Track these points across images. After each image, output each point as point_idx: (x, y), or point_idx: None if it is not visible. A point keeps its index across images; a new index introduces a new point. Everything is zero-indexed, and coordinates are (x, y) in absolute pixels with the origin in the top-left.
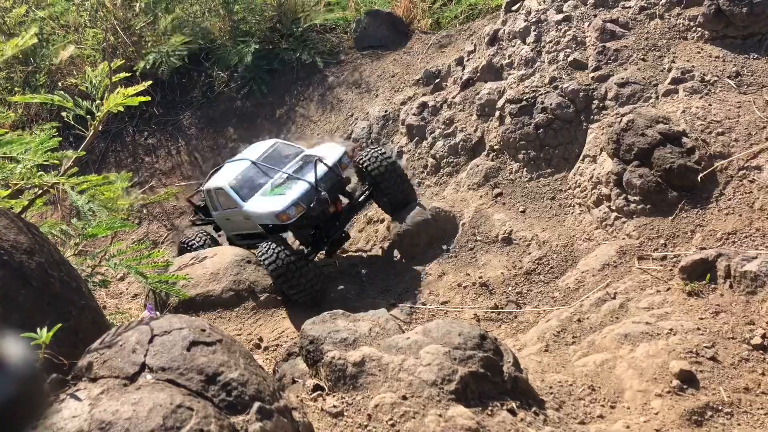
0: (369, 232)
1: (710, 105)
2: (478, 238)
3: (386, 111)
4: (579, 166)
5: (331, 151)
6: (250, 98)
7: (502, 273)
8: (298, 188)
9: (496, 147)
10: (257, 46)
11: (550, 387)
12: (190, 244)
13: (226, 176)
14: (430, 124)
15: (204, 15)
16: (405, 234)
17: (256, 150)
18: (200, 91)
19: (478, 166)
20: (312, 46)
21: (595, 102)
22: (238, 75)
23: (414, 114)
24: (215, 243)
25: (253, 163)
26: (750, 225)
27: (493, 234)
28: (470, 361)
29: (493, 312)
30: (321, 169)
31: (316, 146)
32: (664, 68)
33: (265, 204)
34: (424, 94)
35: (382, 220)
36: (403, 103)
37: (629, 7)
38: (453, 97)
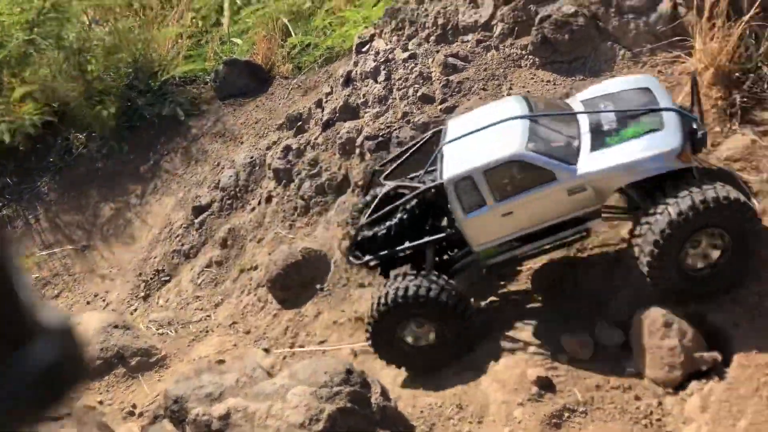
0: (243, 281)
1: None
2: (350, 273)
3: (252, 157)
4: None
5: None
6: (111, 158)
7: None
8: (668, 120)
9: (360, 183)
10: (115, 105)
11: (421, 411)
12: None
13: (505, 145)
14: (295, 166)
15: (56, 77)
16: (276, 278)
17: (488, 113)
18: (57, 155)
19: (345, 202)
20: (172, 99)
21: None
22: (96, 135)
23: (279, 158)
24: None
25: (529, 117)
26: None
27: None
28: (337, 398)
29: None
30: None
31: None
32: (504, 95)
33: (623, 153)
34: (288, 138)
35: (256, 267)
36: (269, 148)
37: (467, 41)
38: (315, 139)
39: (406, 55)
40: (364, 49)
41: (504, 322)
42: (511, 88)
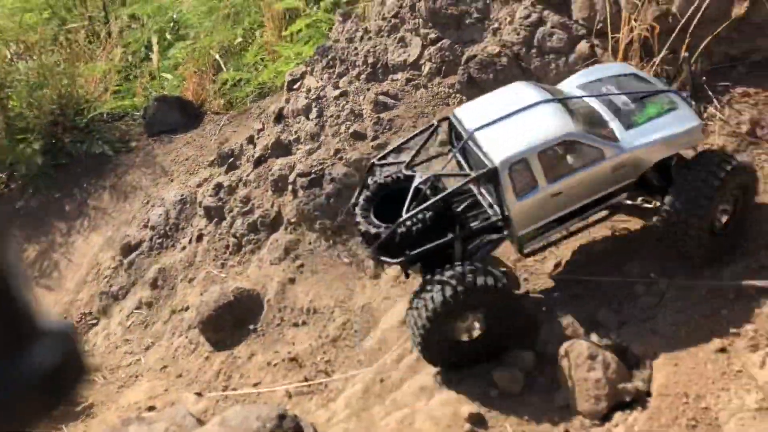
0: (174, 323)
1: None
2: (284, 312)
3: (182, 195)
4: None
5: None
6: (35, 197)
7: (310, 344)
8: (677, 100)
9: (293, 220)
10: (39, 142)
11: None
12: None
13: (553, 125)
14: (227, 203)
15: None
16: (208, 319)
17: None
18: None
19: (277, 240)
20: (100, 136)
21: None
22: (18, 174)
23: (210, 195)
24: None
25: (559, 100)
26: None
27: (298, 306)
28: None
29: (303, 386)
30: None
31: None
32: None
33: (658, 129)
34: (219, 175)
35: (187, 308)
36: (199, 185)
37: (397, 79)
38: (247, 176)
39: (337, 92)
40: (295, 87)
41: None
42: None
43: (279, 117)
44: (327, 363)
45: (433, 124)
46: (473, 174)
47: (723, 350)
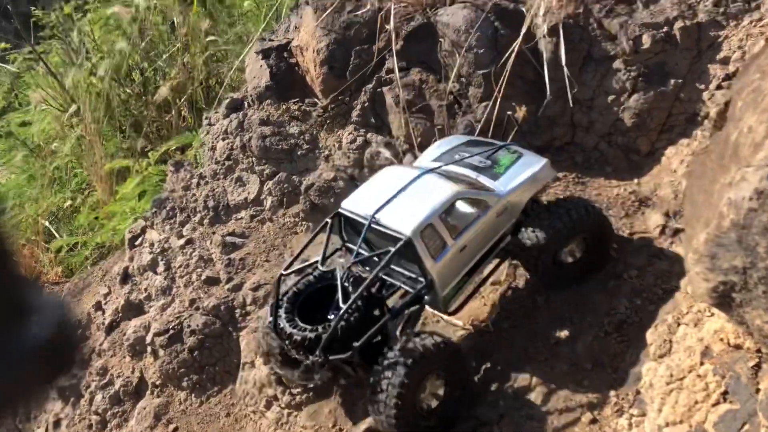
0: None
1: None
2: None
3: None
4: (242, 375)
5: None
6: None
7: None
8: (518, 148)
9: (158, 382)
10: None
11: None
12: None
13: (439, 190)
14: (83, 379)
15: None
16: None
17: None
18: None
19: (145, 408)
20: None
21: (237, 311)
22: None
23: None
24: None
25: (432, 170)
26: None
27: None
28: None
29: None
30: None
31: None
32: (285, 263)
33: (520, 173)
34: None
35: None
36: None
37: (241, 218)
38: (100, 345)
39: (182, 241)
40: (137, 243)
41: None
42: (292, 255)
43: (125, 277)
44: None
45: (326, 222)
46: (392, 249)
47: (594, 421)
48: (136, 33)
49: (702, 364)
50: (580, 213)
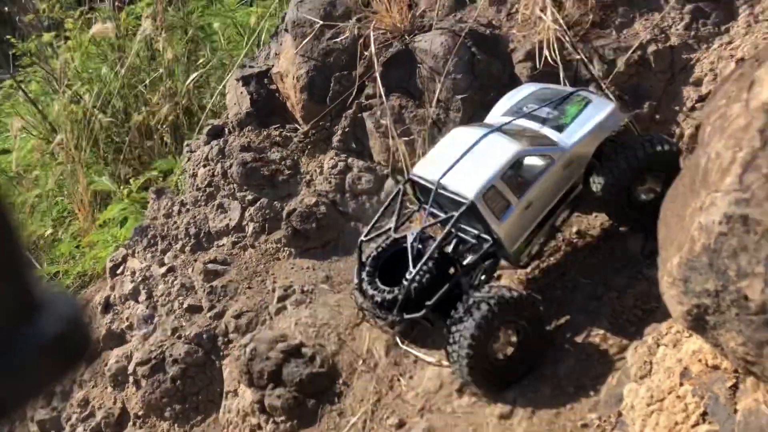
0: None
1: (315, 311)
2: None
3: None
4: (225, 404)
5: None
6: None
7: None
8: (587, 94)
9: (140, 413)
10: None
11: None
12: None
13: (501, 151)
14: (63, 412)
15: None
16: None
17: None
18: None
19: None
20: None
21: (220, 339)
22: None
23: (42, 406)
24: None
25: (495, 130)
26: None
27: None
28: None
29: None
30: None
31: None
32: (269, 290)
33: (586, 123)
34: None
35: None
36: None
37: (223, 245)
38: (81, 376)
39: (164, 269)
40: (118, 271)
41: None
42: (275, 282)
43: (106, 306)
44: None
45: (399, 190)
46: (455, 214)
47: None
48: (118, 59)
49: (681, 384)
50: (656, 148)
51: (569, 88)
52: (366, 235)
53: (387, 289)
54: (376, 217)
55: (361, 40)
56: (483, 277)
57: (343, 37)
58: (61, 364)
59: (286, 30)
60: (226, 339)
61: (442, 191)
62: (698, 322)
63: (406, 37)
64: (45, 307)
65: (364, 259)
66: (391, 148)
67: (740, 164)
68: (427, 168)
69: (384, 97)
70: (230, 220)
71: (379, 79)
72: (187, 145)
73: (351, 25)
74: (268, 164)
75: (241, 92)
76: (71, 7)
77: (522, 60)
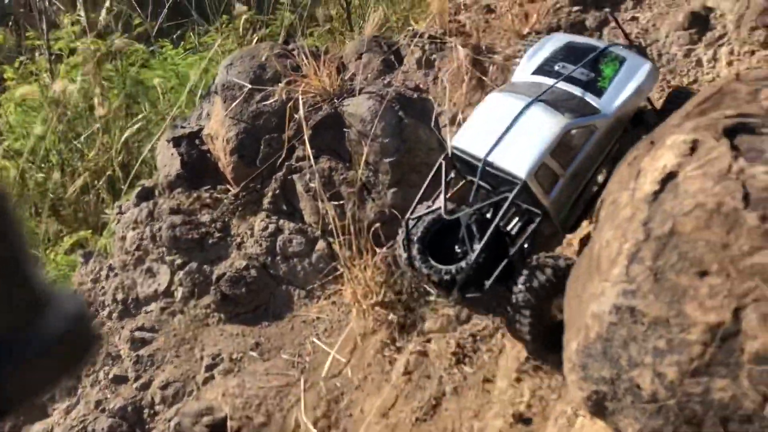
0: None
1: (243, 381)
2: None
3: None
4: None
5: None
6: None
7: None
8: (619, 50)
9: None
10: None
11: None
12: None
13: (547, 124)
14: None
15: None
16: None
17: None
18: None
19: None
20: None
21: (146, 411)
22: None
23: None
24: None
25: (535, 101)
26: None
27: None
28: None
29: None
30: None
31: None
32: (197, 358)
33: (625, 85)
34: None
35: None
36: None
37: (151, 311)
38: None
39: None
40: None
41: None
42: (203, 350)
43: None
44: None
45: (440, 164)
46: (510, 196)
47: None
48: (54, 114)
49: None
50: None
51: (598, 42)
52: (411, 212)
53: (444, 268)
54: (419, 195)
55: (291, 103)
56: (530, 247)
57: (272, 100)
58: (68, 362)
59: (215, 92)
60: (152, 411)
61: (489, 169)
62: (598, 408)
63: (335, 100)
64: (50, 304)
65: (410, 236)
66: (321, 211)
67: (626, 256)
68: (470, 141)
69: (313, 159)
70: (159, 284)
71: (308, 142)
72: (117, 206)
73: (280, 89)
74: (198, 227)
75: (172, 153)
76: (12, 53)
77: (449, 123)
